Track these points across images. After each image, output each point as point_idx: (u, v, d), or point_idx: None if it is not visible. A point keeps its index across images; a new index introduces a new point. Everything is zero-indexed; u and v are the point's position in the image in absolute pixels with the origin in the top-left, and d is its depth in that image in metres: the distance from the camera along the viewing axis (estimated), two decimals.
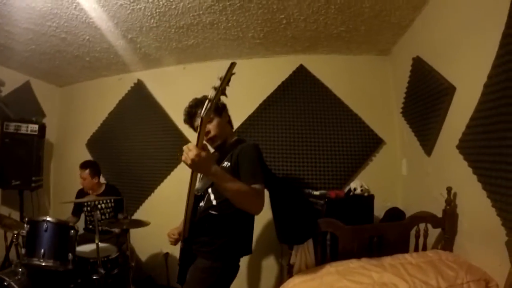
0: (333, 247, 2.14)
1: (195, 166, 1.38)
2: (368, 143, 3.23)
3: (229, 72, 1.30)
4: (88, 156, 4.03)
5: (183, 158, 1.38)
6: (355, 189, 2.65)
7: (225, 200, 1.70)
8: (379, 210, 2.78)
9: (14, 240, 2.66)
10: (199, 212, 1.85)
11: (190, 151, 1.35)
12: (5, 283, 2.31)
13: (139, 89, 3.99)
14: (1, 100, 3.65)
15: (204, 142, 1.61)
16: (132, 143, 3.96)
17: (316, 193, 2.71)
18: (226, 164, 1.78)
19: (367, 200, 2.62)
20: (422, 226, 2.18)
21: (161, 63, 3.76)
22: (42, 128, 3.75)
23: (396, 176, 3.13)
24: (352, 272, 1.87)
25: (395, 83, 3.19)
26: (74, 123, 4.37)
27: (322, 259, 2.14)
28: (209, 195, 1.84)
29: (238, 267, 1.89)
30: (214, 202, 1.80)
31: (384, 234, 2.12)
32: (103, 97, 4.18)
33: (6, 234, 2.99)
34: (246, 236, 1.92)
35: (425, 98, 2.48)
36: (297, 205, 2.38)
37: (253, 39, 3.12)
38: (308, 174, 3.23)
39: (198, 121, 1.58)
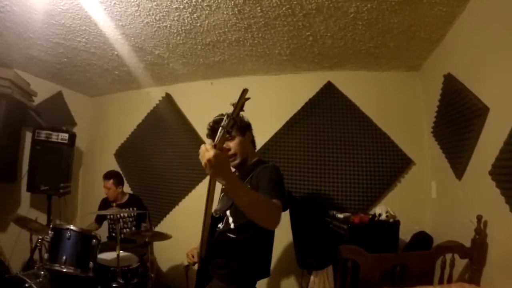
0: (354, 274, 2.04)
1: (211, 167, 1.24)
2: (396, 164, 3.10)
3: (242, 99, 1.24)
4: (115, 166, 4.14)
5: (200, 157, 1.26)
6: (379, 215, 2.55)
7: (243, 224, 1.68)
8: (405, 234, 2.66)
9: (38, 244, 2.75)
10: (217, 233, 1.82)
11: (207, 151, 1.23)
12: (26, 285, 2.37)
13: (167, 102, 4.05)
14: (33, 109, 3.78)
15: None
16: (159, 156, 4.01)
17: (340, 216, 2.61)
18: None
19: (392, 226, 2.50)
20: (448, 256, 2.05)
21: (189, 78, 3.81)
22: (72, 137, 3.87)
23: (425, 199, 2.97)
24: None
25: (425, 101, 3.06)
26: (104, 133, 4.49)
27: (341, 286, 2.05)
28: (227, 217, 1.81)
29: None
30: (232, 226, 1.77)
31: (407, 264, 2.01)
32: (133, 109, 4.27)
33: (32, 237, 3.07)
34: (263, 260, 1.86)
35: (457, 118, 2.36)
36: (318, 230, 2.31)
37: (280, 56, 3.10)
38: (333, 195, 3.13)
39: None
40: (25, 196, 3.95)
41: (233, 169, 1.84)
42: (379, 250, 2.09)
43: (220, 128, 1.26)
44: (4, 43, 3.03)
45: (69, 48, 3.07)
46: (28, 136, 3.84)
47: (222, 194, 1.94)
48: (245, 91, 1.24)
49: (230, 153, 1.80)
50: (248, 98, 1.26)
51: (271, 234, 1.87)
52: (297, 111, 3.39)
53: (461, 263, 2.06)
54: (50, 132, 3.69)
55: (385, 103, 3.24)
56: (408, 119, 3.17)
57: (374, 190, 3.08)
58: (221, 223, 1.83)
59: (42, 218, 3.64)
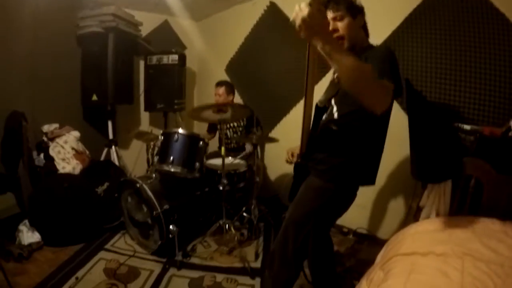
0: (476, 197, 1.71)
1: (307, 28, 1.13)
2: None
3: None
4: (227, 80, 4.18)
5: (292, 17, 1.16)
6: None
7: (348, 114, 1.49)
8: None
9: (150, 150, 2.96)
10: (320, 125, 1.67)
11: (301, 11, 1.12)
12: (138, 185, 2.65)
13: (272, 11, 3.87)
14: (142, 38, 4.15)
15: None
16: (268, 65, 3.95)
17: (467, 127, 2.15)
18: None
19: None
20: None
21: None
22: (182, 57, 4.12)
23: None
24: (490, 236, 1.45)
25: None
26: (214, 51, 4.64)
27: (458, 209, 1.75)
28: (332, 107, 1.65)
29: (354, 195, 1.67)
30: (336, 115, 1.60)
31: None
32: (239, 24, 4.24)
33: (148, 148, 3.38)
34: (369, 161, 1.63)
35: None
36: (442, 136, 1.92)
37: None
38: (461, 105, 2.55)
39: None
40: (144, 116, 4.52)
41: None
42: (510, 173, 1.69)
43: None
44: None
45: None
46: (141, 63, 4.26)
47: (329, 83, 1.75)
48: None
49: (337, 35, 1.57)
50: None
51: (382, 130, 1.61)
52: (416, 6, 2.75)
53: None
54: (161, 55, 4.02)
55: None
56: None
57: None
58: (325, 114, 1.68)
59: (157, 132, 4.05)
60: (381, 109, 1.25)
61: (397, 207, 2.86)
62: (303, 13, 1.11)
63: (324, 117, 1.68)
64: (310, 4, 1.11)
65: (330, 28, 1.54)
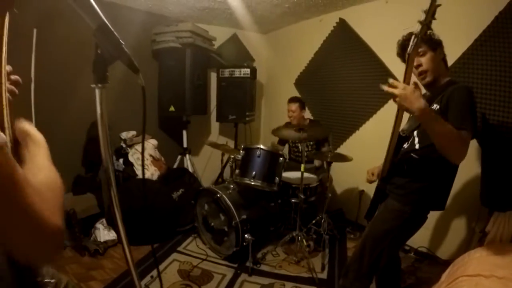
0: None
1: (401, 100, 1.40)
2: None
3: (433, 5, 1.25)
4: (296, 94, 4.33)
5: (389, 90, 1.43)
6: None
7: (429, 146, 1.60)
8: None
9: (230, 162, 3.13)
10: (401, 153, 1.81)
11: (396, 86, 1.39)
12: (218, 195, 2.83)
13: (342, 27, 3.89)
14: (214, 52, 4.37)
15: (415, 80, 1.63)
16: (338, 81, 3.99)
17: None
18: (435, 106, 1.65)
19: None
20: None
21: None
22: (254, 70, 4.32)
23: None
24: None
25: None
26: (282, 64, 4.79)
27: None
28: (413, 138, 1.77)
29: (425, 218, 1.80)
30: (417, 146, 1.73)
31: None
32: (307, 39, 4.32)
33: (223, 157, 3.62)
34: (442, 189, 1.76)
35: None
36: None
37: None
38: None
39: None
40: (215, 126, 4.82)
41: (423, 90, 1.74)
42: None
43: (413, 36, 1.34)
44: (176, 2, 3.53)
45: None
46: (213, 76, 4.52)
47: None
48: None
49: (421, 69, 1.72)
50: (439, 5, 1.26)
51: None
52: (486, 27, 2.64)
53: None
54: (233, 69, 4.24)
55: None
56: None
57: None
58: (406, 143, 1.81)
59: (230, 144, 4.32)
60: (460, 161, 1.52)
61: (459, 229, 2.85)
62: (398, 89, 1.39)
63: (405, 145, 1.81)
64: (404, 81, 1.42)
65: (415, 64, 1.67)
